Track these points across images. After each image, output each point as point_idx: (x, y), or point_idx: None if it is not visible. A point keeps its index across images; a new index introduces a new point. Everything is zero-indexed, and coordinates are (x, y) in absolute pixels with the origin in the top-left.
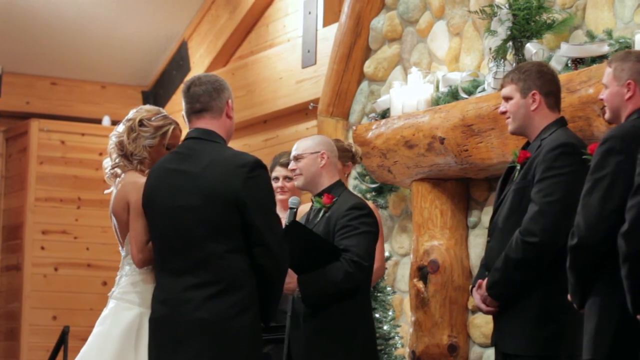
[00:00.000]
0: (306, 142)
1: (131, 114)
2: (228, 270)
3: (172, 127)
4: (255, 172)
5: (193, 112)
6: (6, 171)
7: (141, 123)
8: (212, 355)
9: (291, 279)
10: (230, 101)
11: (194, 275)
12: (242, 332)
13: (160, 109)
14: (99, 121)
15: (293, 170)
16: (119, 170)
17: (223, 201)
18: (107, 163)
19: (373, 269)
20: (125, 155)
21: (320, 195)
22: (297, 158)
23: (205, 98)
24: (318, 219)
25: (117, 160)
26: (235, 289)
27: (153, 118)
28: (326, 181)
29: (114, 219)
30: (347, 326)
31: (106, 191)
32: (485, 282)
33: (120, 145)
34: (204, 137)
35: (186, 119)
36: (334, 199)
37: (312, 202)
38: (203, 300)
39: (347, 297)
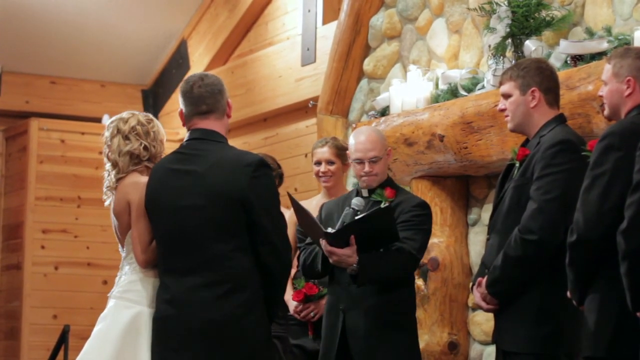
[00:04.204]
0: (376, 142)
1: (127, 125)
2: (234, 270)
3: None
4: (260, 171)
5: (198, 113)
6: (6, 170)
7: (143, 125)
8: (221, 356)
9: (353, 254)
10: (229, 100)
11: (200, 275)
12: (251, 331)
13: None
14: (98, 120)
15: (370, 172)
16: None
17: (228, 200)
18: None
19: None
20: (148, 159)
21: (381, 188)
22: (374, 161)
23: (212, 100)
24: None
25: (131, 168)
26: (241, 288)
27: (140, 120)
28: (385, 176)
29: (114, 219)
30: (405, 313)
31: (106, 203)
32: (484, 280)
33: (145, 151)
34: (208, 137)
35: (186, 119)
36: (396, 194)
37: (357, 193)
38: (210, 301)
39: (398, 285)
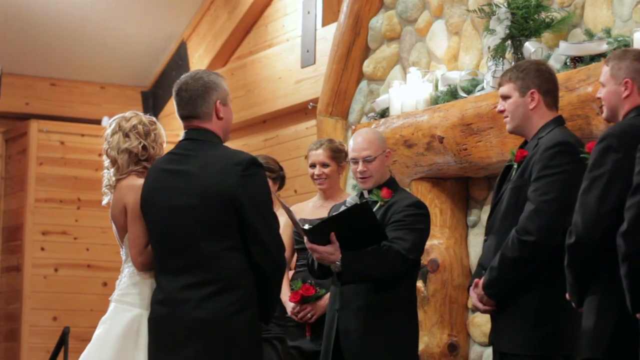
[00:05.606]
0: (371, 142)
1: (129, 123)
2: (226, 269)
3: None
4: (251, 170)
5: (183, 117)
6: (6, 172)
7: (145, 125)
8: (211, 355)
9: (335, 251)
10: (219, 102)
11: (192, 274)
12: (241, 331)
13: (128, 113)
14: (98, 122)
15: (364, 172)
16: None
17: (219, 200)
18: (109, 174)
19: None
20: (147, 159)
21: (378, 188)
22: (368, 160)
23: (191, 106)
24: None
25: (131, 167)
26: (233, 287)
27: (142, 120)
28: (385, 177)
29: (113, 222)
30: (400, 315)
31: (104, 202)
32: (481, 281)
33: (144, 151)
34: (200, 137)
35: (180, 120)
36: (393, 194)
37: (358, 195)
38: (201, 300)
39: (386, 286)
